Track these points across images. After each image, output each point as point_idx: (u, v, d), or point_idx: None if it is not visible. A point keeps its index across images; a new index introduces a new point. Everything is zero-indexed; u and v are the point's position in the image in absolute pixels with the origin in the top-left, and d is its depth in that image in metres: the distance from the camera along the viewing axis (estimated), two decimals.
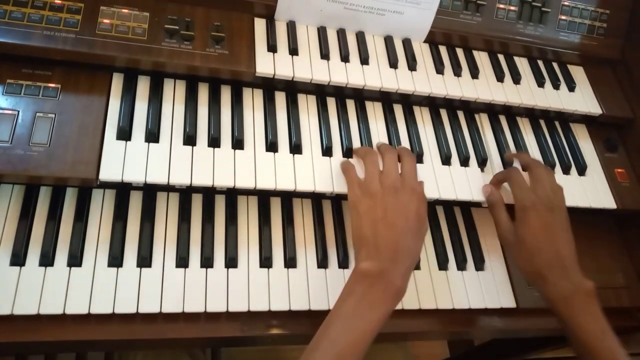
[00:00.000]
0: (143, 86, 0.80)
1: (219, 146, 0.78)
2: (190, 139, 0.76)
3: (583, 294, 0.73)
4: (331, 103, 0.89)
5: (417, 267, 0.84)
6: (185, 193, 0.79)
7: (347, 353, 0.62)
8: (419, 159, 0.86)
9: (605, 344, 0.70)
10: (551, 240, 0.77)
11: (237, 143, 0.78)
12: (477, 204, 0.89)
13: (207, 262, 0.75)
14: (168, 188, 0.78)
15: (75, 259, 0.71)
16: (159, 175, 0.72)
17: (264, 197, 0.83)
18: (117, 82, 0.78)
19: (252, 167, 0.77)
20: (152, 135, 0.75)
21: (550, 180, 0.82)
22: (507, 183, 0.85)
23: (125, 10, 0.79)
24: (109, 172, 0.71)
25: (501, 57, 0.99)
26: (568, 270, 0.75)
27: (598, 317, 0.72)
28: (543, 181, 0.81)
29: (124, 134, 0.74)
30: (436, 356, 1.86)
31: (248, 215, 0.81)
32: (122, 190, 0.77)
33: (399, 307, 0.79)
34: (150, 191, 0.78)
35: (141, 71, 0.80)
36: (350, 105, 0.90)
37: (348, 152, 0.84)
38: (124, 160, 0.72)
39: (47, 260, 0.70)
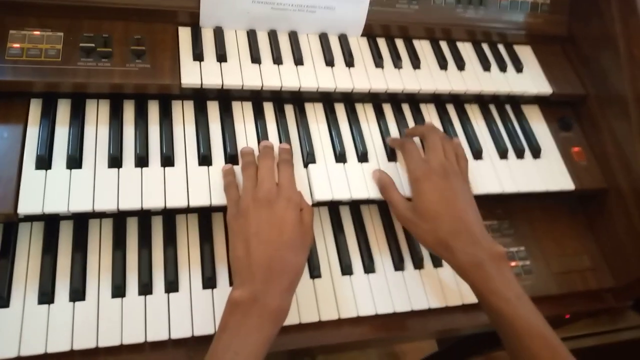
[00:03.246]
0: (63, 110, 0.76)
1: (147, 165, 0.74)
2: (115, 161, 0.72)
3: (494, 259, 0.69)
4: (269, 108, 0.85)
5: (372, 270, 0.80)
6: (119, 218, 0.75)
7: None
8: (364, 157, 0.83)
9: (521, 311, 0.65)
10: (452, 207, 0.73)
11: (167, 160, 0.74)
12: None
13: (145, 288, 0.71)
14: (99, 215, 0.74)
15: (1, 300, 0.67)
16: (82, 203, 0.68)
17: (204, 213, 0.79)
18: (34, 108, 0.74)
19: (184, 184, 0.73)
20: (74, 161, 0.71)
21: (444, 147, 0.79)
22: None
23: (37, 32, 0.75)
24: (28, 204, 0.67)
25: (443, 44, 0.96)
26: (475, 235, 0.71)
27: (512, 283, 0.68)
28: (436, 149, 0.78)
29: (43, 162, 0.70)
30: (424, 350, 1.84)
31: (188, 235, 0.77)
32: (51, 221, 0.73)
33: (352, 314, 0.76)
34: (80, 220, 0.74)
35: (60, 94, 0.76)
36: (289, 109, 0.86)
37: None
38: (45, 191, 0.68)
39: None
